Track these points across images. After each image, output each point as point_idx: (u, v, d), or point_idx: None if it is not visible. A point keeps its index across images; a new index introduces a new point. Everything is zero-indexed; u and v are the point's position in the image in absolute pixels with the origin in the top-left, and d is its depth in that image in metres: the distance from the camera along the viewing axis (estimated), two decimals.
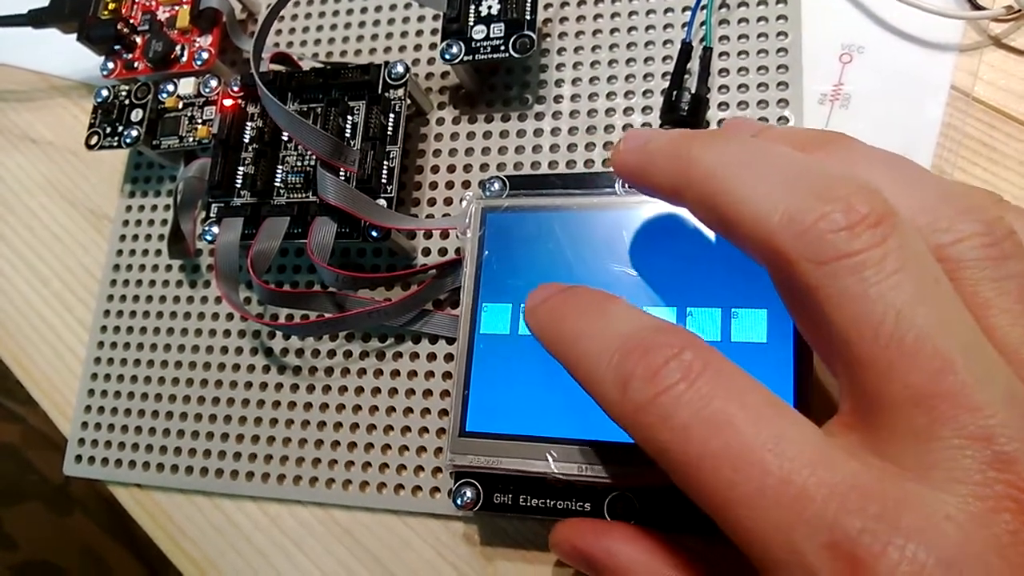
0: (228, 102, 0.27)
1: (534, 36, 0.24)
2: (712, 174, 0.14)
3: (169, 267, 0.28)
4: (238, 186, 0.26)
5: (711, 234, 0.20)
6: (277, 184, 0.25)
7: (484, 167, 0.26)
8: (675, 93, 0.24)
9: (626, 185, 0.22)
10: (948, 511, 0.11)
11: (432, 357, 0.24)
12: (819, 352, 0.14)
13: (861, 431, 0.12)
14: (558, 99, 0.26)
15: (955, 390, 0.11)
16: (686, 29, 0.24)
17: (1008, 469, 0.11)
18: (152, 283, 0.28)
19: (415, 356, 0.24)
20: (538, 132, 0.25)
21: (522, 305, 0.21)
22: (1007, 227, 0.13)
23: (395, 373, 0.24)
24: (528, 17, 0.24)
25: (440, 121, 0.27)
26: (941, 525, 0.11)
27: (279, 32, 0.30)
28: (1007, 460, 0.11)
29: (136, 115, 0.28)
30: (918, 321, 0.12)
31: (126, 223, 0.30)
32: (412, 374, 0.24)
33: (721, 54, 0.24)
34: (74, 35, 0.30)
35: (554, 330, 0.16)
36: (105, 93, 0.29)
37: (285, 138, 0.26)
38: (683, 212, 0.20)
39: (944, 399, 0.11)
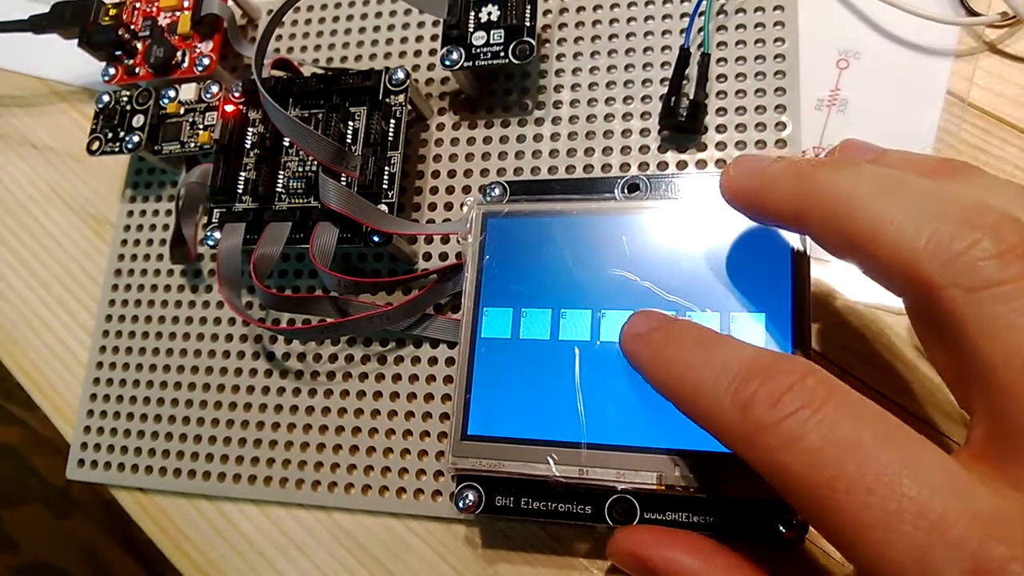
0: (230, 107, 0.27)
1: (533, 42, 0.24)
2: (845, 198, 0.14)
3: (171, 272, 0.28)
4: (240, 191, 0.26)
5: (710, 239, 0.20)
6: (279, 189, 0.25)
7: (484, 172, 0.26)
8: (673, 99, 0.24)
9: (625, 189, 0.22)
10: None
11: (433, 361, 0.24)
12: (951, 379, 0.14)
13: (994, 462, 0.12)
14: (557, 105, 0.26)
15: None
16: (684, 36, 0.25)
17: None
18: (154, 288, 0.28)
19: (416, 360, 0.25)
20: (538, 138, 0.26)
21: (524, 309, 0.21)
22: None
23: (396, 377, 0.25)
24: (528, 23, 0.24)
25: (441, 127, 0.27)
26: None
27: (280, 38, 0.30)
28: None
29: (137, 120, 0.28)
30: None
31: (128, 228, 0.30)
32: (413, 378, 0.24)
33: (719, 60, 0.25)
34: (75, 41, 0.30)
35: (662, 360, 0.16)
36: (106, 98, 0.29)
37: (287, 144, 0.26)
38: (682, 216, 0.21)
39: None
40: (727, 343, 0.15)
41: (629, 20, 0.26)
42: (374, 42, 0.29)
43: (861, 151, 0.18)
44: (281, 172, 0.26)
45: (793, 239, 0.19)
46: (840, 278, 0.22)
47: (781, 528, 0.18)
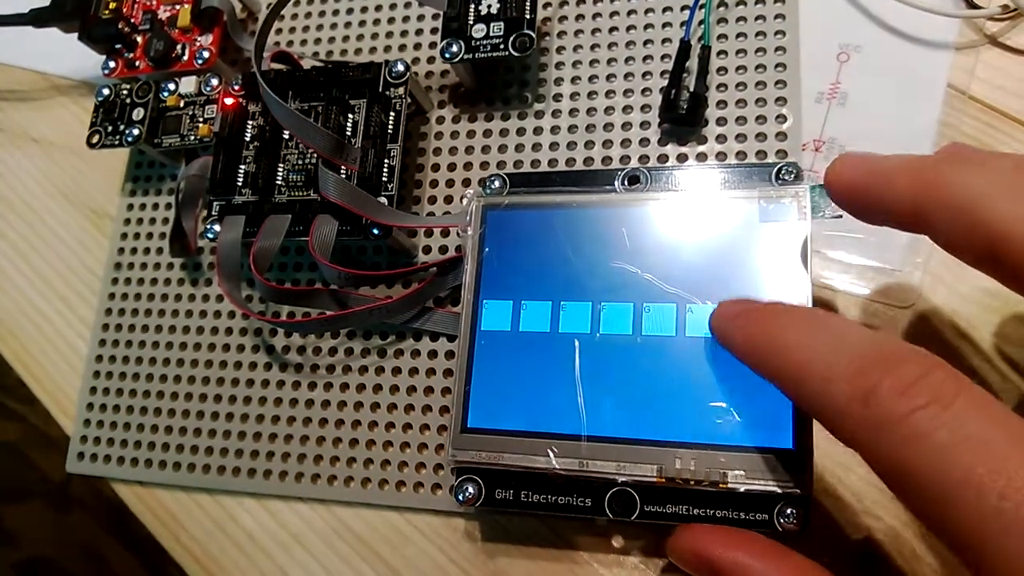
0: (229, 100, 0.27)
1: (533, 35, 0.24)
2: (977, 197, 0.14)
3: (171, 265, 0.28)
4: (239, 184, 0.26)
5: (710, 232, 0.20)
6: (278, 182, 0.25)
7: (484, 165, 0.26)
8: (674, 92, 0.24)
9: (625, 182, 0.22)
10: None
11: (433, 354, 0.24)
12: None
13: None
14: (557, 97, 0.26)
15: None
16: (685, 28, 0.25)
17: None
18: (154, 281, 0.28)
19: (416, 353, 0.24)
20: (538, 130, 0.26)
21: (523, 301, 0.21)
22: None
23: (396, 370, 0.25)
24: (527, 16, 0.24)
25: (440, 119, 0.27)
26: None
27: (280, 31, 0.30)
28: None
29: (137, 114, 0.28)
30: None
31: (127, 221, 0.30)
32: (413, 371, 0.24)
33: (719, 53, 0.24)
34: (75, 34, 0.30)
35: (762, 338, 0.16)
36: (106, 92, 0.29)
37: (286, 136, 0.26)
38: (683, 209, 0.20)
39: None
40: (840, 321, 0.15)
41: (629, 13, 0.26)
42: (374, 35, 0.29)
43: (967, 153, 0.17)
44: (281, 165, 0.26)
45: (793, 232, 0.19)
46: (840, 272, 0.22)
47: (781, 521, 0.18)
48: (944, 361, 0.13)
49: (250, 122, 0.26)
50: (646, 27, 0.26)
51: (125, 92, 0.29)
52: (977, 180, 0.14)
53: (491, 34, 0.24)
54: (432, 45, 0.28)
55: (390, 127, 0.25)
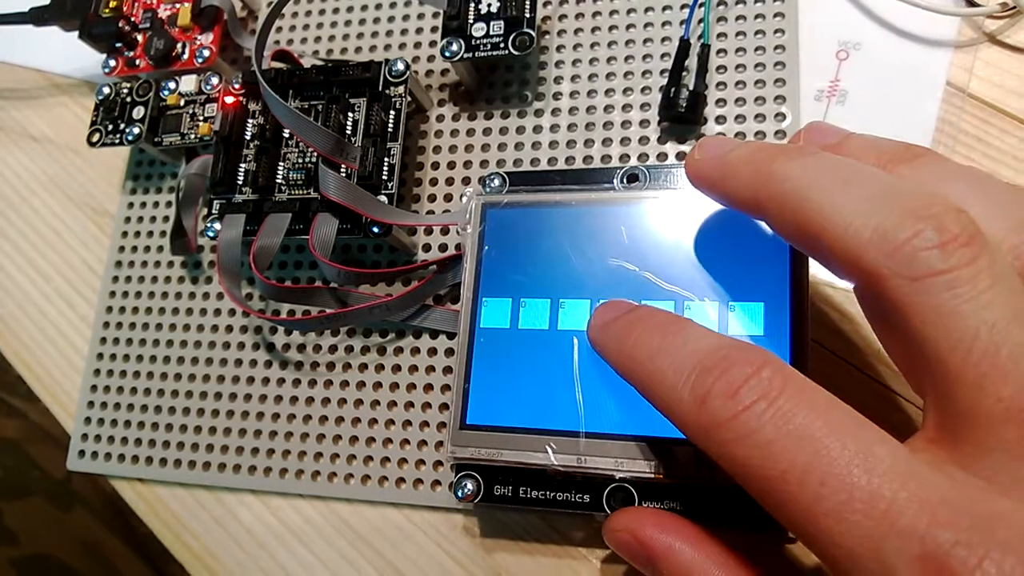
0: (230, 99, 0.27)
1: (533, 34, 0.24)
2: (798, 189, 0.14)
3: (171, 263, 0.29)
4: (240, 183, 0.26)
5: (709, 229, 0.20)
6: (279, 181, 0.25)
7: (484, 163, 0.26)
8: (673, 90, 0.24)
9: (624, 180, 0.22)
10: None
11: (433, 352, 0.24)
12: (904, 367, 0.14)
13: (947, 446, 0.12)
14: (557, 96, 0.26)
15: None
16: (684, 26, 0.25)
17: None
18: (154, 279, 0.29)
19: (416, 351, 0.25)
20: (537, 129, 0.26)
21: (523, 299, 0.21)
22: None
23: (396, 368, 0.25)
24: (527, 15, 0.24)
25: (440, 118, 0.27)
26: None
27: (280, 30, 0.30)
28: None
29: (138, 112, 0.28)
30: (1013, 337, 0.12)
31: (128, 220, 0.30)
32: (413, 368, 0.24)
33: (719, 51, 0.25)
34: (75, 33, 0.30)
35: (625, 348, 0.16)
36: (107, 90, 0.29)
37: (287, 135, 0.26)
38: (681, 207, 0.21)
39: None
40: (687, 330, 0.15)
41: (629, 11, 0.26)
42: (374, 34, 0.29)
43: (825, 135, 0.18)
44: (281, 163, 0.26)
45: None
46: None
47: None
48: (773, 356, 0.14)
49: (250, 121, 0.26)
50: (646, 26, 0.26)
51: (125, 91, 0.29)
52: (800, 172, 0.15)
53: (491, 33, 0.24)
54: (432, 44, 0.28)
55: (390, 126, 0.25)
